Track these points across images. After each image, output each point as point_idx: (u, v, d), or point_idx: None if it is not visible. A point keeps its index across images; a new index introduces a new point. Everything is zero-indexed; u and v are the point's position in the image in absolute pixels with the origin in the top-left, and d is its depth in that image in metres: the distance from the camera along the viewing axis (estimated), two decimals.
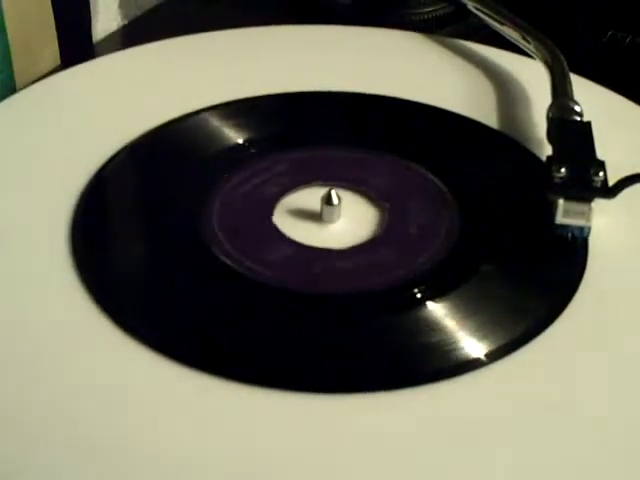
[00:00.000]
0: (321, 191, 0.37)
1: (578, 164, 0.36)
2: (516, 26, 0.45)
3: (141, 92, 0.44)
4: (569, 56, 0.42)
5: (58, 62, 0.49)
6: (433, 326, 0.32)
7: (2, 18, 0.45)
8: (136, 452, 0.28)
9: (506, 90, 0.44)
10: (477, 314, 0.33)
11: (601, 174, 0.35)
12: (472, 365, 0.31)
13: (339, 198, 0.37)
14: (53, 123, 0.42)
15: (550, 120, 0.39)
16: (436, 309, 0.33)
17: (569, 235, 0.35)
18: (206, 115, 0.42)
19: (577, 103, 0.39)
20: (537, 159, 0.39)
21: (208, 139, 0.41)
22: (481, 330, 0.32)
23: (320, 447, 0.29)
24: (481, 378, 0.31)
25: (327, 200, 0.37)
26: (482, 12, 0.48)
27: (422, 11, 0.52)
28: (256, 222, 0.37)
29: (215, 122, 0.42)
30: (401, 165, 0.40)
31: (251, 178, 0.39)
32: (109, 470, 0.28)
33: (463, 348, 0.31)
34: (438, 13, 0.52)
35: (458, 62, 0.46)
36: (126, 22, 0.55)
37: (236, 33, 0.48)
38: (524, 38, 0.45)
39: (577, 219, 0.35)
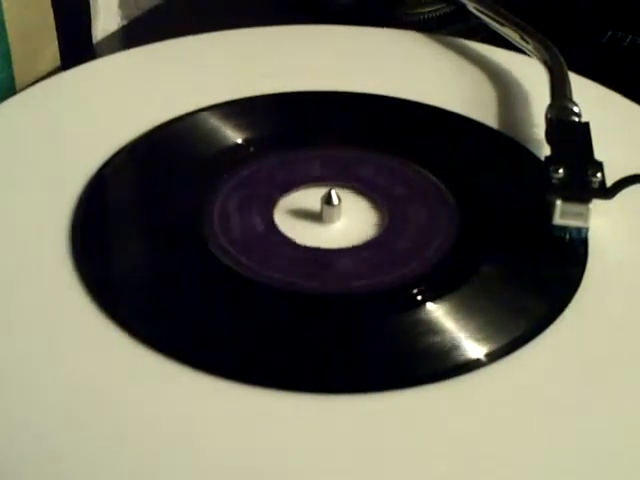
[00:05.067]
0: (321, 191, 0.37)
1: (576, 165, 0.36)
2: (515, 26, 0.45)
3: (141, 92, 0.44)
4: (569, 56, 0.42)
5: (58, 62, 0.50)
6: (433, 327, 0.32)
7: (2, 18, 0.45)
8: (136, 452, 0.28)
9: (506, 90, 0.44)
10: (477, 314, 0.33)
11: (599, 175, 0.35)
12: (472, 366, 0.31)
13: (339, 198, 0.37)
14: (53, 123, 0.42)
15: (548, 121, 0.39)
16: (436, 309, 0.33)
17: (567, 236, 0.35)
18: (206, 115, 0.42)
19: (575, 104, 0.39)
20: (537, 159, 0.39)
21: (208, 139, 0.41)
22: (481, 331, 0.32)
23: (320, 447, 0.29)
24: (481, 379, 0.31)
25: (327, 200, 0.37)
26: (481, 12, 0.48)
27: (422, 11, 0.52)
28: (256, 222, 0.37)
29: (215, 122, 0.42)
30: (401, 165, 0.40)
31: (251, 178, 0.39)
32: (109, 470, 0.28)
33: (463, 349, 0.31)
34: (438, 13, 0.52)
35: (458, 62, 0.46)
36: (126, 22, 0.55)
37: (236, 33, 0.48)
38: (523, 39, 0.45)
39: (575, 220, 0.35)
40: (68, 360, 0.31)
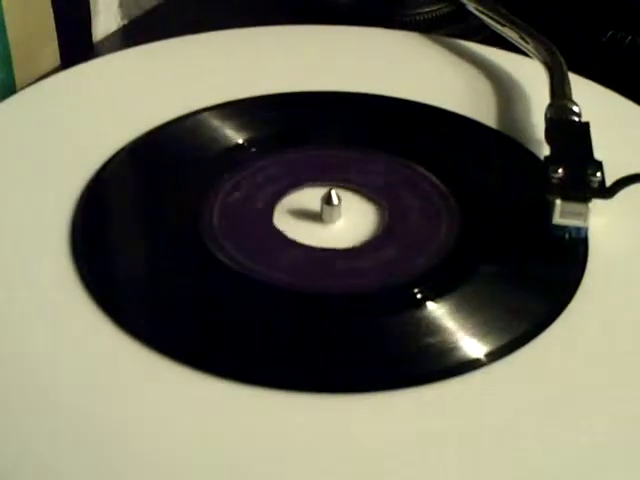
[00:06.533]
0: (321, 191, 0.37)
1: (576, 164, 0.36)
2: (515, 27, 0.45)
3: (141, 92, 0.44)
4: (569, 56, 0.42)
5: (58, 62, 0.50)
6: (433, 326, 0.32)
7: (2, 18, 0.45)
8: (136, 452, 0.28)
9: (506, 90, 0.44)
10: (477, 314, 0.33)
11: (598, 174, 0.35)
12: (472, 365, 0.31)
13: (339, 198, 0.37)
14: (53, 123, 0.42)
15: (548, 120, 0.39)
16: (436, 309, 0.33)
17: (566, 235, 0.35)
18: (206, 115, 0.42)
19: (575, 103, 0.39)
20: (537, 159, 0.39)
21: (208, 139, 0.41)
22: (481, 330, 0.32)
23: (320, 447, 0.29)
24: (481, 378, 0.31)
25: (327, 200, 0.37)
26: (481, 12, 0.48)
27: (422, 11, 0.52)
28: (256, 222, 0.37)
29: (215, 122, 0.42)
30: (401, 165, 0.40)
31: (251, 178, 0.39)
32: (109, 469, 0.28)
33: (463, 348, 0.31)
34: (438, 13, 0.52)
35: (458, 62, 0.46)
36: (126, 22, 0.55)
37: (236, 33, 0.48)
38: (523, 39, 0.45)
39: (574, 219, 0.35)
40: (68, 360, 0.31)
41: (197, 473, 0.28)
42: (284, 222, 0.37)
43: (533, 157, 0.40)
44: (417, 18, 0.52)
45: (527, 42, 0.44)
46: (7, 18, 0.46)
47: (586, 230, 0.35)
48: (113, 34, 0.54)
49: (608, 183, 0.35)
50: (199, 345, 0.32)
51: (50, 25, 0.49)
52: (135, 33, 0.53)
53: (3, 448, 0.28)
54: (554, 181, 0.35)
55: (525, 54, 0.45)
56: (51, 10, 0.48)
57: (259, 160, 0.40)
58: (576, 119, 0.39)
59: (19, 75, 0.47)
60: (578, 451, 0.29)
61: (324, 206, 0.37)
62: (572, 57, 0.42)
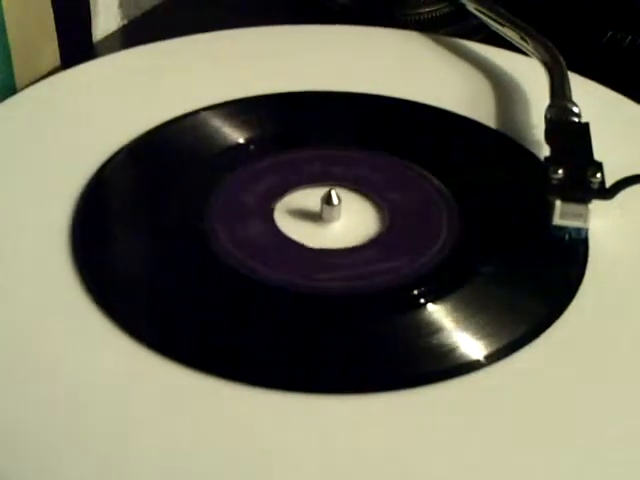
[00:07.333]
0: (321, 191, 0.37)
1: (576, 165, 0.36)
2: (515, 27, 0.45)
3: (141, 92, 0.44)
4: (569, 56, 0.42)
5: (58, 62, 0.50)
6: (433, 327, 0.32)
7: (2, 18, 0.45)
8: (135, 452, 0.28)
9: (506, 90, 0.44)
10: (477, 315, 0.33)
11: (598, 175, 0.35)
12: (472, 366, 0.31)
13: (339, 198, 0.37)
14: (53, 123, 0.42)
15: (548, 121, 0.39)
16: (436, 310, 0.33)
17: (567, 236, 0.35)
18: (206, 115, 0.42)
19: (575, 104, 0.39)
20: (537, 160, 0.39)
21: (208, 139, 0.41)
22: (481, 331, 0.32)
23: (320, 447, 0.29)
24: (481, 379, 0.31)
25: (327, 200, 0.37)
26: (481, 12, 0.48)
27: (422, 11, 0.52)
28: (256, 222, 0.37)
29: (215, 122, 0.42)
30: (401, 165, 0.40)
31: (251, 178, 0.39)
32: (109, 470, 0.28)
33: (463, 349, 0.31)
34: (438, 13, 0.52)
35: (458, 62, 0.46)
36: (126, 22, 0.55)
37: (236, 33, 0.48)
38: (523, 39, 0.45)
39: (574, 220, 0.35)
40: (67, 360, 0.31)
41: (197, 473, 0.28)
42: (284, 222, 0.37)
43: (533, 157, 0.40)
44: (417, 18, 0.52)
45: (527, 42, 0.44)
46: (7, 18, 0.46)
47: (586, 231, 0.35)
48: (113, 34, 0.54)
49: (608, 184, 0.35)
50: (199, 345, 0.32)
51: (50, 25, 0.49)
52: (135, 33, 0.53)
53: (3, 448, 0.28)
54: (554, 182, 0.35)
55: (525, 53, 0.45)
56: (51, 10, 0.48)
57: (259, 160, 0.40)
58: (576, 120, 0.39)
59: (19, 75, 0.47)
60: (578, 452, 0.29)
61: (324, 206, 0.37)
62: (572, 57, 0.42)
